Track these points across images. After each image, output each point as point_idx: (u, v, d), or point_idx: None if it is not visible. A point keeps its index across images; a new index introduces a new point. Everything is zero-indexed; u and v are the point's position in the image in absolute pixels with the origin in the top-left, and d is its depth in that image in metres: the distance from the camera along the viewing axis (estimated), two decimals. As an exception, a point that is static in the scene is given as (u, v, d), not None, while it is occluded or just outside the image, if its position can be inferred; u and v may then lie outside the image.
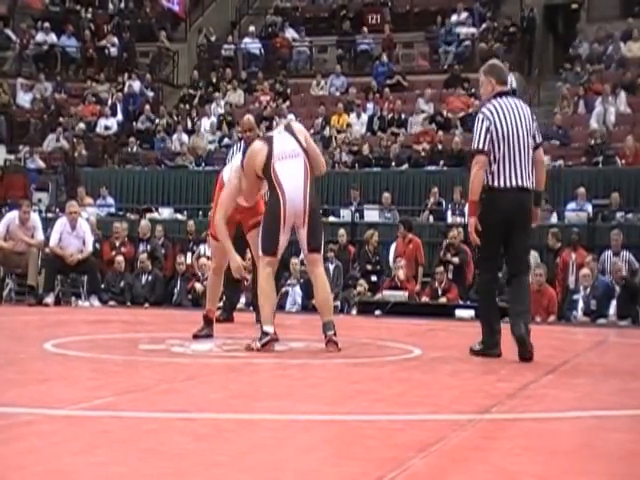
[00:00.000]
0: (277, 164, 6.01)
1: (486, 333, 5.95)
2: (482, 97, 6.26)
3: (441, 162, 16.19)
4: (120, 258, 13.21)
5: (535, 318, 11.30)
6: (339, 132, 17.85)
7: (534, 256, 12.59)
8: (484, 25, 20.51)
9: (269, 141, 6.14)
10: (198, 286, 12.56)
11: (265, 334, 5.86)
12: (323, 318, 6.08)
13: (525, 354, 5.69)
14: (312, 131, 18.03)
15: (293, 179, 5.98)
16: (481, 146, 5.75)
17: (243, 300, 11.20)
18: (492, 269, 5.99)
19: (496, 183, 5.78)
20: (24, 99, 20.62)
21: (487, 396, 4.09)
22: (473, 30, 20.53)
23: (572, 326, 10.90)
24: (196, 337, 6.63)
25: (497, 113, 5.76)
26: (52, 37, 21.85)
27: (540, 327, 9.46)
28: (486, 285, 6.03)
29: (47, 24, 21.86)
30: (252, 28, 22.25)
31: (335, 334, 5.98)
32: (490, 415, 3.61)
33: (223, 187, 6.73)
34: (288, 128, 6.24)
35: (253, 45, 21.96)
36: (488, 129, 5.73)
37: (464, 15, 20.57)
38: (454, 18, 20.71)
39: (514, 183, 5.76)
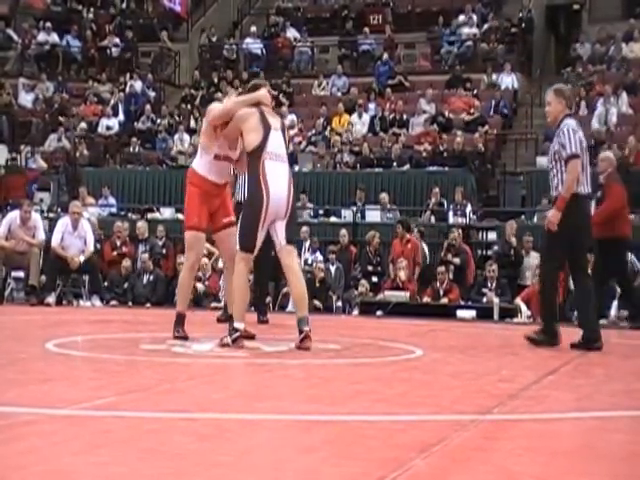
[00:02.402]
0: (267, 162, 6.05)
1: (548, 322, 6.82)
2: (549, 115, 6.96)
3: (442, 163, 16.20)
4: (128, 264, 13.21)
5: (536, 318, 11.32)
6: (340, 133, 17.85)
7: (535, 257, 12.61)
8: (486, 25, 20.52)
9: (265, 124, 6.11)
10: (199, 286, 12.55)
11: (235, 330, 5.98)
12: (298, 314, 6.09)
13: None
14: (314, 131, 18.07)
15: (279, 182, 6.04)
16: (578, 151, 6.61)
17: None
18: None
19: (581, 189, 6.67)
20: (26, 99, 20.63)
21: (488, 397, 4.08)
22: (475, 30, 20.54)
23: (573, 327, 10.88)
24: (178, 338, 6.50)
25: (579, 129, 6.77)
26: (54, 37, 21.88)
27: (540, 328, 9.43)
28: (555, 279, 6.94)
29: (49, 24, 21.89)
30: (254, 28, 22.27)
31: (310, 330, 6.00)
32: (491, 416, 3.61)
33: (193, 182, 6.51)
34: (283, 129, 6.28)
35: (255, 45, 21.97)
36: (580, 140, 6.66)
37: (469, 15, 20.58)
38: (461, 18, 20.70)
39: (590, 190, 6.83)
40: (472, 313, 11.45)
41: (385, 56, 20.16)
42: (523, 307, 11.39)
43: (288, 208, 6.07)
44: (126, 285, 13.10)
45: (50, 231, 12.57)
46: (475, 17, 20.70)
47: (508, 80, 19.03)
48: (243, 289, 6.12)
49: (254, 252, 6.14)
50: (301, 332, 5.97)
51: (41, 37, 21.99)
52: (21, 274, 12.19)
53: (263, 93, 6.34)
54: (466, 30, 20.59)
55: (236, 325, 6.02)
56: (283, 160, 6.15)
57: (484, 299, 12.16)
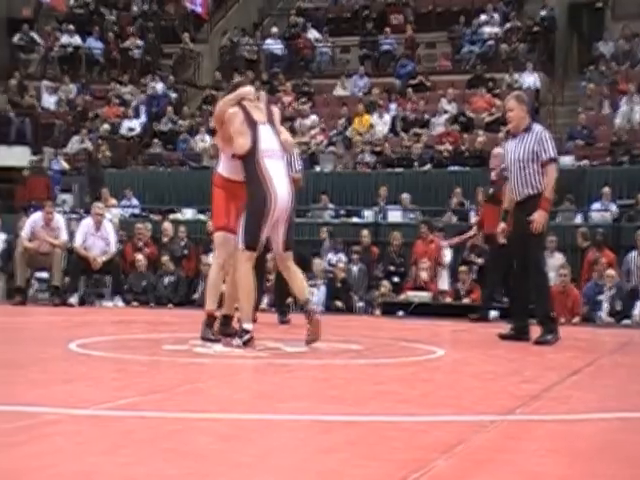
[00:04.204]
0: (266, 161, 6.03)
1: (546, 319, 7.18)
2: (513, 120, 7.32)
3: (464, 163, 16.13)
4: (140, 257, 13.24)
5: (560, 319, 11.25)
6: (361, 133, 17.84)
7: (558, 258, 12.53)
8: (508, 25, 20.43)
9: (250, 121, 6.12)
10: (222, 287, 12.57)
11: (245, 332, 5.97)
12: (301, 297, 6.28)
13: None
14: (335, 131, 18.06)
15: (282, 181, 6.04)
16: (557, 156, 7.19)
17: (266, 301, 11.21)
18: None
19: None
20: (49, 101, 20.76)
21: (511, 397, 4.07)
22: (497, 30, 20.45)
23: (597, 327, 10.82)
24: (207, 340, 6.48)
25: None
26: (76, 39, 22.00)
27: (564, 328, 9.40)
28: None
29: (71, 26, 22.03)
30: (275, 29, 22.28)
31: (314, 310, 6.23)
32: (514, 416, 3.59)
33: (217, 184, 6.46)
34: (271, 119, 6.24)
35: (276, 46, 21.99)
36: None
37: (490, 15, 20.51)
38: (483, 17, 20.62)
39: None
40: (495, 313, 11.39)
41: (406, 56, 20.12)
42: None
43: (292, 201, 6.09)
44: (144, 284, 13.11)
45: (73, 232, 12.65)
46: (497, 16, 20.61)
47: (530, 79, 18.93)
48: (249, 290, 6.08)
49: (258, 251, 6.20)
50: (307, 311, 6.15)
51: (64, 39, 22.11)
52: (44, 275, 12.29)
53: (246, 89, 6.38)
54: (487, 29, 20.50)
55: (245, 326, 5.98)
56: (279, 156, 6.14)
57: (506, 299, 12.09)
